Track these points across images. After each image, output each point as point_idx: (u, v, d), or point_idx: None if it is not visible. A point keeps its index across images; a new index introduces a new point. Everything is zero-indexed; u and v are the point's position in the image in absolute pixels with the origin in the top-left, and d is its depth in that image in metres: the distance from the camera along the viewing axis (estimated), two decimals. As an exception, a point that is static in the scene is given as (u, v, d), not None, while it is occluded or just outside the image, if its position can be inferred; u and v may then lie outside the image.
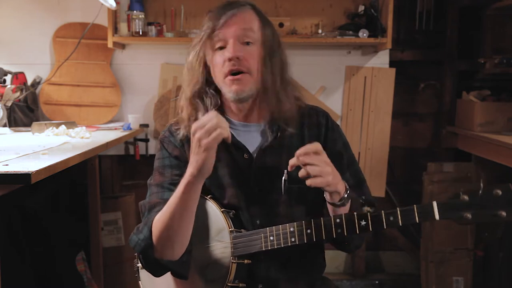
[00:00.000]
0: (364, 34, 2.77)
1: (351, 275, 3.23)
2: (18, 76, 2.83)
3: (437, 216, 1.11)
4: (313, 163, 1.18)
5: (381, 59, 3.05)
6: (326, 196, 1.25)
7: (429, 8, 3.07)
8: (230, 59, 1.29)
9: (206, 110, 1.36)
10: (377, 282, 3.17)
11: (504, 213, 1.06)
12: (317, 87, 3.06)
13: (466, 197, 1.10)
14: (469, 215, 1.09)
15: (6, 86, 2.71)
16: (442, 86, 3.16)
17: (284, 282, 1.37)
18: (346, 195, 1.23)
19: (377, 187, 3.05)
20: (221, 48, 1.32)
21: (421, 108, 3.22)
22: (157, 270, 1.29)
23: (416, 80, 3.20)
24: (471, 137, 2.80)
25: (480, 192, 1.09)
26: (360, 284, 3.17)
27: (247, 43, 1.31)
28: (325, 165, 1.19)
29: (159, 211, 1.29)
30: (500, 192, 1.07)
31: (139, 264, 1.40)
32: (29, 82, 2.91)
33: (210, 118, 1.17)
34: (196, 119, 1.35)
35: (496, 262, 2.70)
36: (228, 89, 1.32)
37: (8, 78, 2.79)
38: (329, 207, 1.28)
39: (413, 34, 3.12)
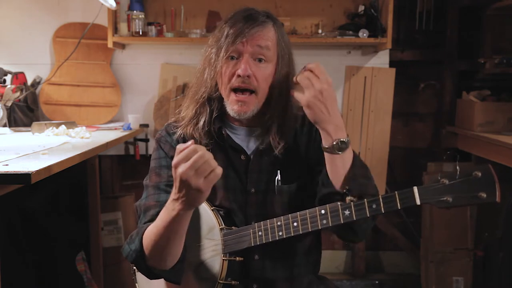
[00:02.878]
0: (364, 34, 2.77)
1: (351, 275, 3.23)
2: (18, 76, 2.83)
3: (418, 201, 1.11)
4: (309, 78, 1.19)
5: (381, 59, 3.05)
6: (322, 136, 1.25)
7: (429, 8, 3.07)
8: (239, 76, 1.29)
9: (210, 115, 1.37)
10: (377, 282, 3.17)
11: (484, 195, 1.05)
12: (317, 87, 3.06)
13: (446, 181, 1.09)
14: (449, 199, 1.08)
15: (6, 86, 2.71)
16: (442, 86, 3.16)
17: (279, 281, 1.38)
18: (335, 143, 1.21)
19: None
20: (232, 57, 1.31)
21: (421, 108, 3.22)
22: (150, 276, 1.30)
23: (416, 80, 3.20)
24: (471, 137, 2.79)
25: (458, 174, 1.08)
26: (360, 284, 3.17)
27: (260, 60, 1.31)
28: (318, 84, 1.18)
29: (153, 214, 1.29)
30: (479, 174, 1.06)
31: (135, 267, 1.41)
32: (29, 82, 2.91)
33: (199, 154, 1.07)
34: (197, 122, 1.36)
35: (496, 262, 2.70)
36: (231, 107, 1.33)
37: (8, 78, 2.79)
38: (326, 158, 1.25)
39: (413, 34, 3.13)
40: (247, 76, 1.29)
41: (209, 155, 1.09)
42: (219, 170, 1.10)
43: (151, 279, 1.32)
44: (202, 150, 1.08)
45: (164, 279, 1.30)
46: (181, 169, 1.07)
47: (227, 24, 1.32)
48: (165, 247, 1.21)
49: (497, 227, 2.66)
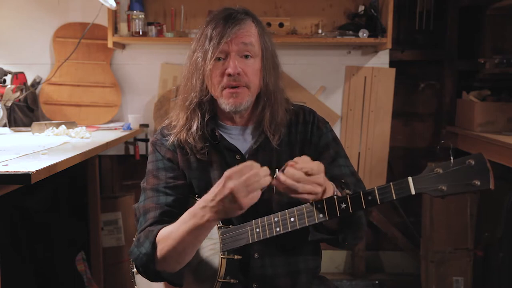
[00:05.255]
0: (364, 34, 2.77)
1: (351, 275, 3.23)
2: (18, 76, 2.83)
3: (412, 191, 1.12)
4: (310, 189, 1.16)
5: (381, 59, 3.05)
6: None
7: (429, 8, 3.07)
8: (230, 75, 1.31)
9: (203, 118, 1.38)
10: (377, 282, 3.17)
11: (478, 182, 1.06)
12: (317, 87, 3.06)
13: (440, 170, 1.10)
14: (444, 187, 1.09)
15: (6, 86, 2.71)
16: (442, 86, 3.16)
17: (278, 280, 1.38)
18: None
19: (377, 187, 3.05)
20: (219, 58, 1.33)
21: (421, 108, 3.22)
22: (155, 280, 1.31)
23: (416, 80, 3.20)
24: (471, 137, 2.79)
25: (452, 163, 1.09)
26: (360, 284, 3.17)
27: (247, 56, 1.34)
28: (317, 186, 1.16)
29: (155, 216, 1.31)
30: (473, 162, 1.07)
31: (135, 269, 1.41)
32: (29, 82, 2.91)
33: (253, 173, 1.11)
34: (189, 127, 1.37)
35: (496, 262, 2.70)
36: (226, 101, 1.34)
37: (8, 78, 2.79)
38: None
39: (413, 34, 3.12)
40: (237, 74, 1.31)
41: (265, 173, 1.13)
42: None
43: (153, 282, 1.32)
44: (257, 168, 1.12)
45: (168, 283, 1.31)
46: (232, 183, 1.09)
47: (208, 27, 1.34)
48: (181, 252, 1.23)
49: (497, 227, 2.66)
